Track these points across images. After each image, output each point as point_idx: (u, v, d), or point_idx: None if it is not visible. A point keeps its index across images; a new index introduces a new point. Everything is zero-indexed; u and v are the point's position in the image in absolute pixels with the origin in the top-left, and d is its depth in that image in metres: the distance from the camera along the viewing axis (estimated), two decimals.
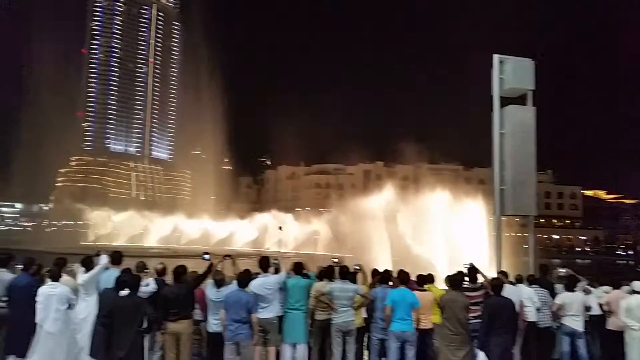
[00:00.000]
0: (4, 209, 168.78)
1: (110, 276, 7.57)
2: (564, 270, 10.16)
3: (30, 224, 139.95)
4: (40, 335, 7.29)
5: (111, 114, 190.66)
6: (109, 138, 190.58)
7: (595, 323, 9.75)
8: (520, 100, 13.19)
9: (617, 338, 8.95)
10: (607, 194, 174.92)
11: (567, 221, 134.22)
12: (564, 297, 8.81)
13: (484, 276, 8.62)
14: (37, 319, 7.30)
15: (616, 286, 9.79)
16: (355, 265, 9.87)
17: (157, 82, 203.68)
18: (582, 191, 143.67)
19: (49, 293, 7.38)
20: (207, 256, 8.48)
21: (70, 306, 7.49)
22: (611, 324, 9.33)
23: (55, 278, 7.63)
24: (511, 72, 12.77)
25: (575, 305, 8.89)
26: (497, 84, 12.82)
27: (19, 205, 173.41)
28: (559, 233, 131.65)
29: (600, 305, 9.66)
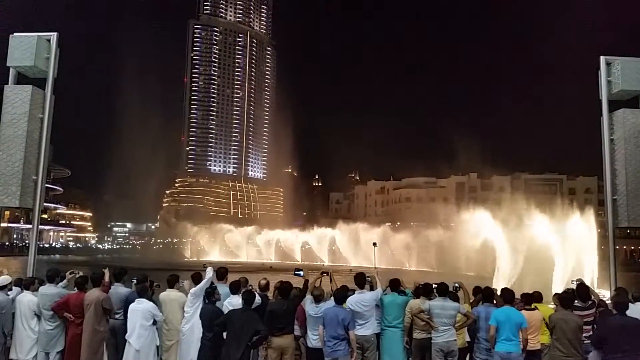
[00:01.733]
0: (116, 229, 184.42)
1: (221, 291, 7.91)
2: None
3: (139, 242, 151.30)
4: (127, 351, 7.69)
5: (211, 138, 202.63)
6: (209, 160, 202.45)
7: None
8: (631, 103, 12.12)
9: None
10: None
11: None
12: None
13: (593, 293, 7.97)
14: (127, 334, 7.71)
15: None
16: (455, 283, 9.57)
17: (251, 105, 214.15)
18: None
19: (134, 308, 7.78)
20: (300, 272, 8.67)
21: (154, 322, 7.79)
22: None
23: (142, 294, 8.02)
24: (620, 74, 11.79)
25: None
26: (605, 87, 11.88)
27: (129, 225, 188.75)
28: None
29: None
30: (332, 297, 7.97)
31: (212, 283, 8.04)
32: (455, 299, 8.59)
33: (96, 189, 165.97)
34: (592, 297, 8.00)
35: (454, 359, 8.01)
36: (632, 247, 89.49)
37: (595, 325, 7.65)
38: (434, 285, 8.53)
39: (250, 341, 6.96)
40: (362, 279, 8.49)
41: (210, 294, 7.60)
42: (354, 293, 8.43)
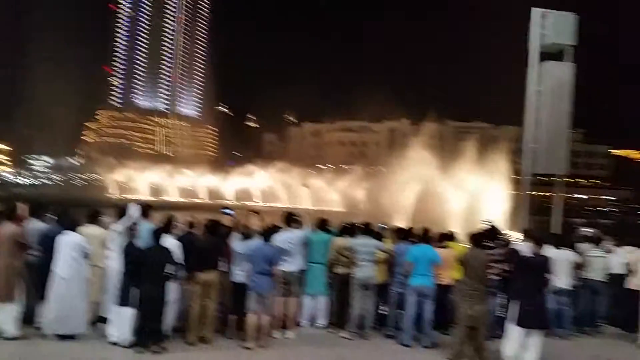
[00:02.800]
0: (36, 162, 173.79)
1: (143, 228, 7.80)
2: (587, 230, 10.09)
3: (60, 177, 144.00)
4: (54, 280, 7.57)
5: (138, 70, 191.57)
6: (136, 94, 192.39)
7: (617, 281, 9.74)
8: (557, 56, 12.68)
9: (636, 297, 8.97)
10: (638, 153, 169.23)
11: (595, 181, 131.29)
12: (551, 253, 8.64)
13: (502, 234, 8.68)
14: (55, 265, 7.57)
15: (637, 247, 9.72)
16: (381, 223, 10.09)
17: (186, 39, 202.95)
18: (611, 151, 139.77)
19: (63, 240, 7.63)
20: (228, 211, 8.74)
21: (86, 255, 7.67)
22: (631, 283, 9.31)
23: (72, 227, 7.83)
24: (552, 27, 12.18)
25: (561, 263, 8.82)
26: (537, 39, 12.29)
27: (49, 160, 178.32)
28: (586, 193, 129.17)
29: (623, 265, 9.63)
30: (260, 235, 8.11)
31: (135, 221, 7.88)
32: (379, 237, 9.02)
33: (14, 120, 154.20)
34: (501, 238, 8.68)
35: (372, 292, 8.53)
36: (543, 194, 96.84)
37: (503, 262, 8.35)
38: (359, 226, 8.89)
39: (164, 275, 7.13)
40: (290, 218, 8.71)
41: (131, 231, 7.50)
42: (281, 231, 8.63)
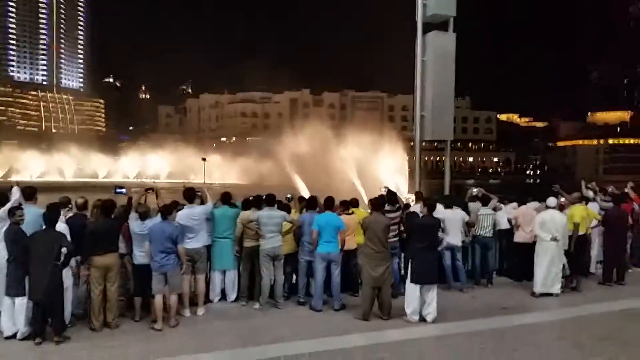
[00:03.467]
0: None
1: (27, 213, 7.17)
2: (476, 190, 10.92)
3: None
4: None
5: (12, 40, 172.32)
6: (11, 66, 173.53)
7: (503, 236, 10.74)
8: (442, 26, 13.34)
9: (524, 249, 9.97)
10: (520, 117, 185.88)
11: (482, 144, 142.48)
12: (444, 213, 9.31)
13: (399, 198, 9.17)
14: None
15: (522, 203, 10.75)
16: (288, 194, 10.15)
17: (63, 5, 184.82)
18: (497, 115, 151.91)
19: None
20: (122, 190, 8.26)
21: None
22: (518, 236, 10.31)
23: None
24: None
25: (453, 222, 9.56)
26: (421, 11, 12.84)
27: None
28: (474, 156, 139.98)
29: (509, 220, 10.61)
30: (159, 213, 7.80)
31: (19, 204, 7.20)
32: (286, 208, 9.07)
33: None
34: (399, 202, 9.15)
35: (280, 262, 8.61)
36: (437, 158, 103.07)
37: (402, 225, 8.86)
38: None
39: (57, 261, 6.63)
40: (191, 194, 8.44)
41: (13, 215, 6.86)
42: (183, 208, 8.36)
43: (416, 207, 9.30)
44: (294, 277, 9.24)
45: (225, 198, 8.87)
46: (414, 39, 13.00)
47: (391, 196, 9.12)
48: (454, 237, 9.56)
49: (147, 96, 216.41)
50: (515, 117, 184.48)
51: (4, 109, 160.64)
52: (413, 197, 11.07)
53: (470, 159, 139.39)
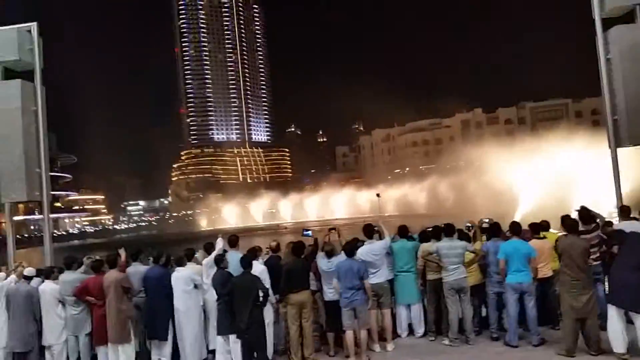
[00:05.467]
0: (130, 208, 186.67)
1: (231, 258, 8.15)
2: None
3: (154, 218, 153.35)
4: (175, 314, 8.17)
5: (210, 106, 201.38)
6: (211, 129, 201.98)
7: None
8: (626, 18, 11.75)
9: None
10: None
11: None
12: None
13: (597, 215, 8.08)
14: (174, 300, 8.15)
15: None
16: (467, 222, 9.77)
17: (246, 67, 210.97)
18: None
19: (175, 277, 8.22)
20: (308, 232, 8.87)
21: (196, 286, 8.21)
22: None
23: (180, 264, 8.43)
24: None
25: None
26: (597, 4, 11.51)
27: (142, 203, 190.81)
28: None
29: None
30: (343, 251, 8.15)
31: (224, 251, 8.25)
32: (465, 237, 8.74)
33: (106, 171, 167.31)
34: (596, 220, 8.08)
35: (467, 295, 8.21)
36: None
37: (603, 246, 7.80)
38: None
39: (256, 301, 7.30)
40: (370, 230, 8.66)
41: (219, 261, 7.84)
42: (363, 244, 8.61)
43: (621, 225, 8.10)
44: (484, 309, 8.75)
45: (403, 231, 8.89)
46: (594, 36, 11.67)
47: (585, 214, 8.09)
48: None
49: (325, 139, 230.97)
50: None
51: (209, 167, 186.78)
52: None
53: None
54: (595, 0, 11.44)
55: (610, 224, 8.31)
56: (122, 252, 8.91)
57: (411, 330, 8.82)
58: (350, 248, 8.07)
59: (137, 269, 8.68)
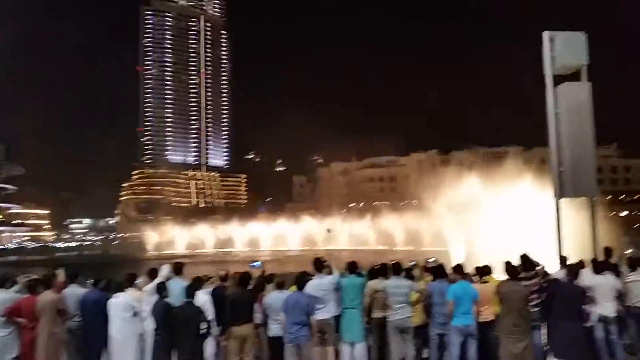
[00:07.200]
0: (74, 225, 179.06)
1: (175, 286, 7.90)
2: (630, 252, 9.62)
3: (98, 238, 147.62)
4: (110, 343, 7.80)
5: (168, 127, 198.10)
6: (167, 150, 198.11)
7: None
8: (574, 76, 12.54)
9: None
10: None
11: (637, 196, 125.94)
12: (591, 280, 8.29)
13: (537, 264, 8.38)
14: (109, 327, 7.79)
15: None
16: (411, 261, 9.88)
17: (209, 91, 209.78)
18: None
19: (114, 302, 7.88)
20: (256, 263, 8.77)
21: (135, 314, 7.88)
22: None
23: (119, 289, 8.09)
24: (562, 48, 12.13)
25: (604, 289, 8.40)
26: (549, 62, 12.23)
27: (87, 221, 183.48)
28: (629, 209, 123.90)
29: None
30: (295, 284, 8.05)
31: (167, 278, 8.00)
32: (410, 277, 8.82)
33: (53, 185, 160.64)
34: (537, 267, 8.38)
35: (409, 335, 8.26)
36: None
37: (542, 293, 8.04)
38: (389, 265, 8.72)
39: (198, 333, 7.08)
40: (319, 264, 8.60)
41: (161, 290, 7.58)
42: (311, 278, 8.55)
43: (559, 274, 8.43)
44: (425, 351, 8.78)
45: (352, 267, 8.85)
46: (544, 90, 12.35)
47: (526, 261, 8.37)
48: (605, 307, 8.43)
49: (283, 168, 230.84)
50: None
51: (161, 188, 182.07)
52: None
53: (625, 213, 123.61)
54: (547, 57, 12.19)
55: (547, 274, 8.61)
56: (60, 273, 8.52)
57: None
58: (302, 281, 7.98)
59: (74, 291, 8.33)
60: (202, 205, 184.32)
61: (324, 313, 8.21)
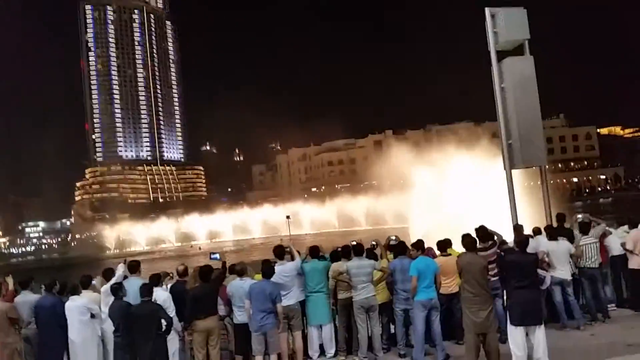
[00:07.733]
0: (28, 229, 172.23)
1: (132, 285, 7.67)
2: (581, 216, 10.04)
3: (55, 240, 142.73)
4: (70, 347, 7.59)
5: (118, 123, 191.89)
6: (119, 146, 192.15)
7: (617, 263, 9.68)
8: (517, 51, 12.85)
9: None
10: (623, 129, 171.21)
11: (585, 162, 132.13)
12: (547, 245, 8.66)
13: (494, 234, 8.61)
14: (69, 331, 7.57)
15: (634, 225, 9.68)
16: (373, 241, 9.95)
17: (157, 84, 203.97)
18: (597, 130, 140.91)
19: (70, 306, 7.65)
20: (216, 255, 8.64)
21: (93, 316, 7.66)
22: (633, 262, 9.25)
23: (75, 292, 7.85)
24: (504, 24, 12.39)
25: (559, 254, 8.79)
26: (492, 38, 12.47)
27: (42, 224, 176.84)
28: (578, 176, 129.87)
29: (623, 245, 9.59)
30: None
31: (124, 278, 7.76)
32: (373, 256, 8.90)
33: (1, 189, 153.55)
34: (494, 238, 8.60)
35: (375, 313, 8.35)
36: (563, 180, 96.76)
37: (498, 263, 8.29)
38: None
39: (158, 331, 6.92)
40: (281, 251, 8.57)
41: (117, 290, 7.36)
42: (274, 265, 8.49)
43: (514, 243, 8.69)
44: (392, 327, 8.93)
45: (314, 252, 8.84)
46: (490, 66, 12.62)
47: (482, 232, 8.58)
48: (561, 270, 8.78)
49: (241, 158, 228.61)
50: (617, 130, 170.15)
51: (116, 186, 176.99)
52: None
53: (575, 180, 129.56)
54: (490, 33, 12.41)
55: (504, 242, 8.88)
56: (10, 280, 8.16)
57: (322, 351, 8.77)
58: (267, 269, 7.91)
59: (26, 298, 8.02)
60: (160, 200, 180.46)
61: (289, 299, 8.20)
